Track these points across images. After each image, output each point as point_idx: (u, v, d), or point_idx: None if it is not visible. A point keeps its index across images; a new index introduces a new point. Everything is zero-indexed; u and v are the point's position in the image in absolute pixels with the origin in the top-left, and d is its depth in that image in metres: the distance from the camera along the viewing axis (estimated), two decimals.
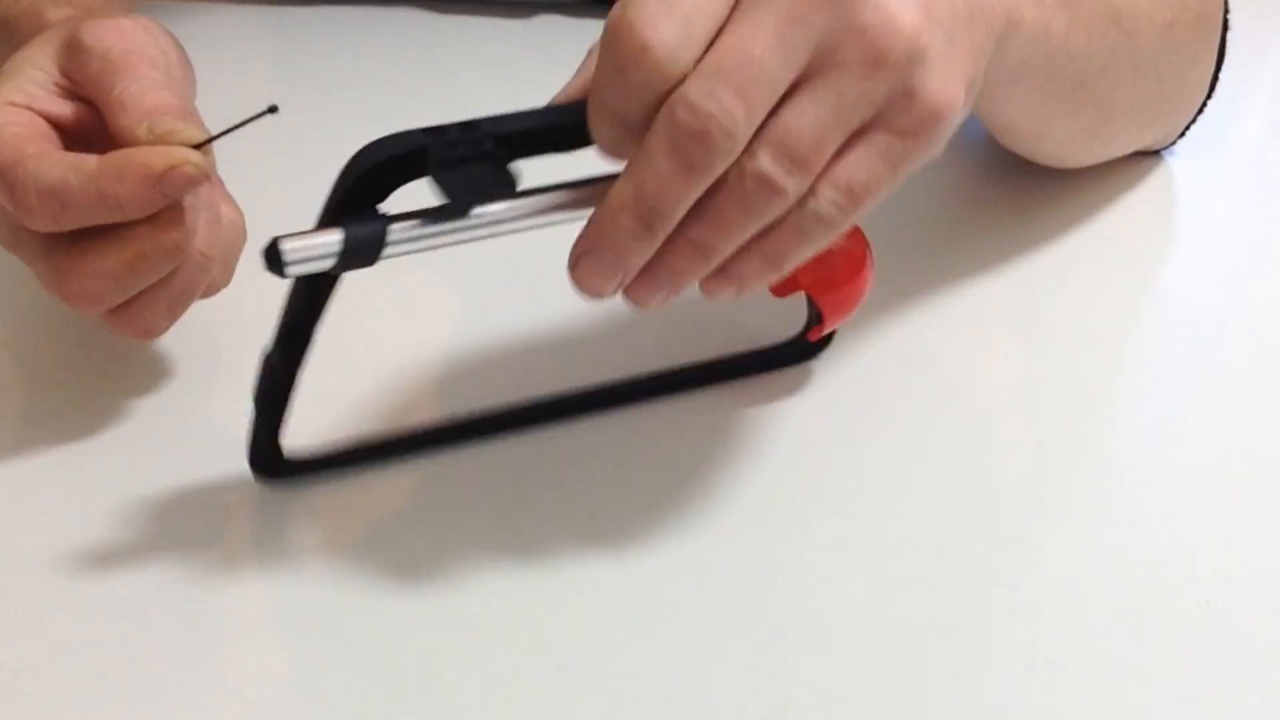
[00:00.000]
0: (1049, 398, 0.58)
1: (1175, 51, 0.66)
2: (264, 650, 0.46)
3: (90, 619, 0.46)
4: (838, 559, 0.49)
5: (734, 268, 0.44)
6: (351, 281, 0.45)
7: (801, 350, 0.57)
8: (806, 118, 0.41)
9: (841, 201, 0.42)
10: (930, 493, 0.53)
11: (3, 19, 0.60)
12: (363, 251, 0.43)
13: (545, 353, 0.57)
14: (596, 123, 0.42)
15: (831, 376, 0.58)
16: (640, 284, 0.43)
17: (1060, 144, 0.68)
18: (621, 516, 0.50)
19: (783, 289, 0.54)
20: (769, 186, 0.41)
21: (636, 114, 0.41)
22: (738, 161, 0.41)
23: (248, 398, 0.49)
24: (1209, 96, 0.73)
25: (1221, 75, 0.71)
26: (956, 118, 0.43)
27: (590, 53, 0.45)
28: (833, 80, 0.41)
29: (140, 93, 0.48)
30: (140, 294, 0.50)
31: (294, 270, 0.42)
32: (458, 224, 0.43)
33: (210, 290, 0.53)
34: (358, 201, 0.43)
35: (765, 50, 0.40)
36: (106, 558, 0.48)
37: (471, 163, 0.42)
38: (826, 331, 0.55)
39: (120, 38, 0.51)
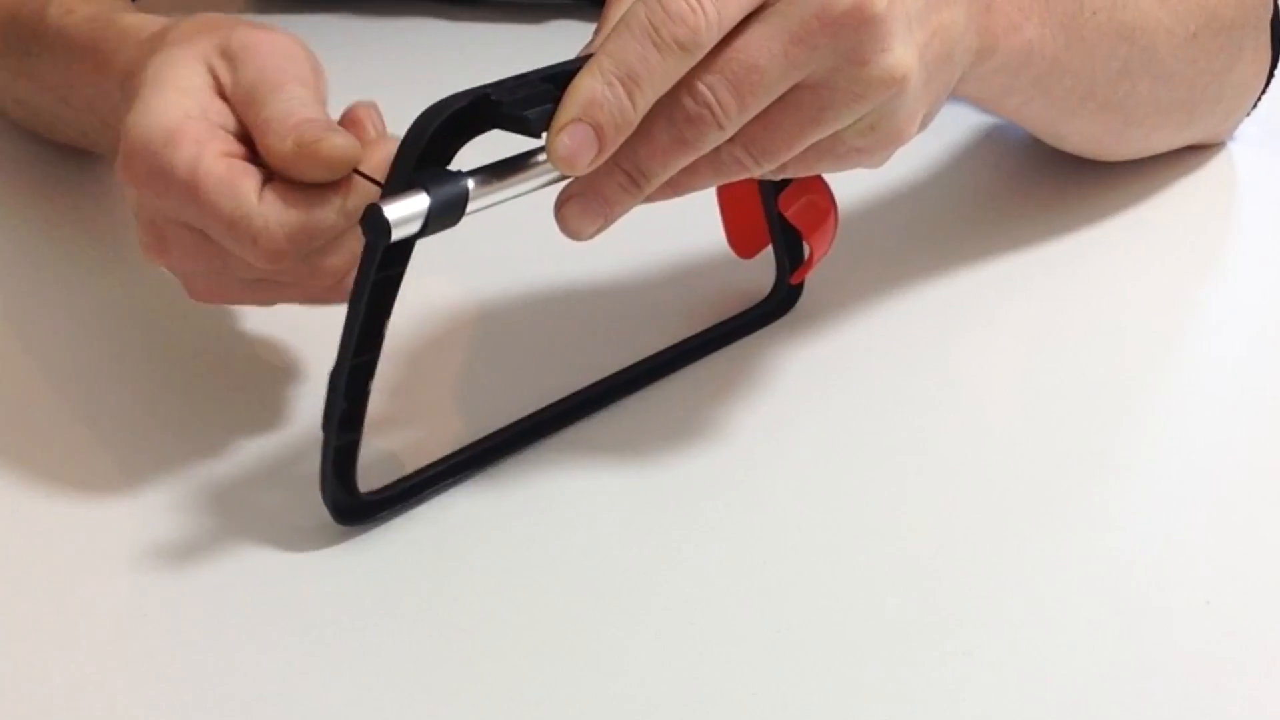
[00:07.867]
0: (1055, 393, 0.58)
1: (1205, 58, 0.66)
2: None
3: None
4: (834, 557, 0.49)
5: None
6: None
7: (778, 305, 0.61)
8: (788, 124, 0.47)
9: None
10: (929, 488, 0.53)
11: (58, 28, 0.61)
12: (449, 209, 0.45)
13: (550, 351, 0.59)
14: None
15: (861, 362, 0.59)
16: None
17: (1085, 141, 0.68)
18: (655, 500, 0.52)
19: (749, 248, 0.61)
20: (740, 166, 0.48)
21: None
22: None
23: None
24: (1264, 91, 0.72)
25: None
26: (901, 145, 0.51)
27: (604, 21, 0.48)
28: (823, 97, 0.47)
29: (288, 112, 0.48)
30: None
31: (397, 233, 0.44)
32: (528, 171, 0.46)
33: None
34: (426, 163, 0.44)
35: (769, 62, 0.45)
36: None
37: (534, 102, 0.45)
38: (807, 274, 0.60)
39: (275, 51, 0.50)
